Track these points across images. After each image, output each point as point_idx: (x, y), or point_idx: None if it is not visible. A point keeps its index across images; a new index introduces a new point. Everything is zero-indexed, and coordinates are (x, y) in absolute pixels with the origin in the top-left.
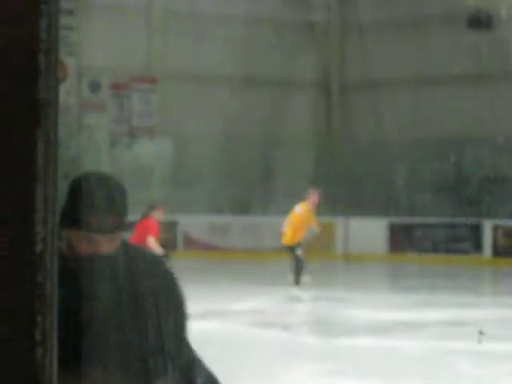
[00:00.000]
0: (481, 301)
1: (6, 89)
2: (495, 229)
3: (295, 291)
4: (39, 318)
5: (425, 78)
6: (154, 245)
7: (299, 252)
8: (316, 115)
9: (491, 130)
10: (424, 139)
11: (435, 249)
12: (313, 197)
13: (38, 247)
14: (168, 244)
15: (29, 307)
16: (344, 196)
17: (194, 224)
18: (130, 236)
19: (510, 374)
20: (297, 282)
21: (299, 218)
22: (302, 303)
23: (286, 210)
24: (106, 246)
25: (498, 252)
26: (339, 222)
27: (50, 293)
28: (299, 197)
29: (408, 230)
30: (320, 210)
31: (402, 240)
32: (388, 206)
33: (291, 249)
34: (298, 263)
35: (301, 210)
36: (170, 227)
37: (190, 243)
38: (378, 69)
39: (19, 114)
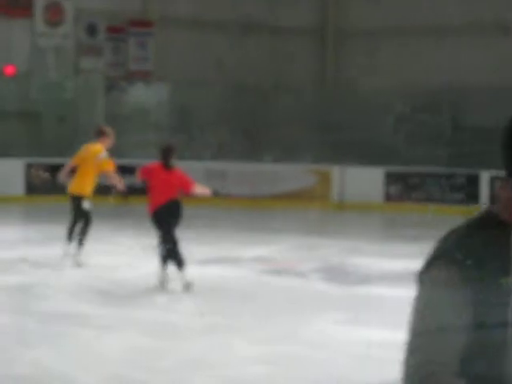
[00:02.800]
0: None
1: None
2: (492, 179)
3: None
4: None
5: (422, 27)
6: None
7: (87, 206)
8: (312, 63)
9: (488, 80)
10: (419, 88)
11: (431, 198)
12: (108, 137)
13: None
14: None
15: None
16: (340, 145)
17: (189, 170)
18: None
19: None
20: (80, 242)
21: (87, 160)
22: (311, 251)
23: (283, 158)
24: None
25: (494, 202)
26: (336, 171)
27: None
28: (296, 145)
29: (404, 179)
30: (317, 158)
31: (398, 189)
32: (384, 155)
33: (77, 200)
34: (86, 220)
35: (93, 151)
36: None
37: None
38: (374, 17)
39: None
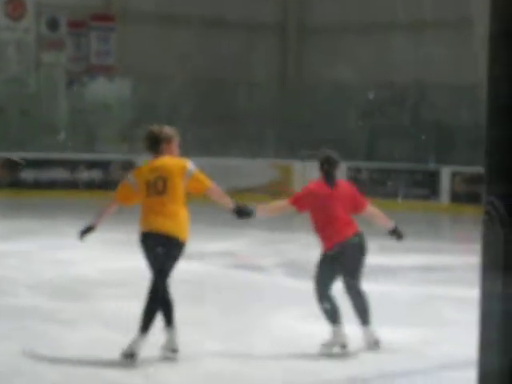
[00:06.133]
0: (446, 247)
1: None
2: (453, 175)
3: None
4: None
5: (385, 22)
6: None
7: None
8: (275, 58)
9: (450, 76)
10: (382, 84)
11: (392, 194)
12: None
13: None
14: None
15: None
16: (301, 139)
17: None
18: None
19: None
20: None
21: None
22: (272, 245)
23: (247, 153)
24: None
25: (455, 198)
26: (297, 166)
27: None
28: (260, 140)
29: (366, 174)
30: (278, 153)
31: (360, 184)
32: (346, 150)
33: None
34: None
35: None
36: (127, 167)
37: None
38: (337, 12)
39: None
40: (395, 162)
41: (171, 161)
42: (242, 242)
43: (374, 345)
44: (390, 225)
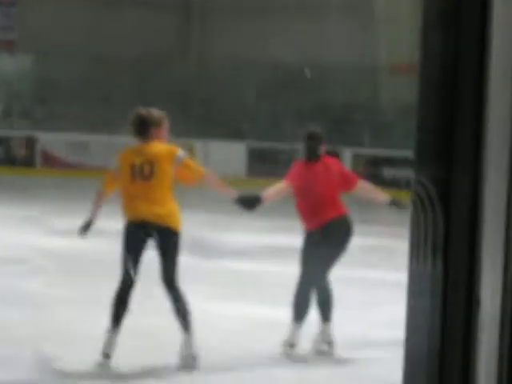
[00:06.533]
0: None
1: None
2: (355, 157)
3: None
4: None
5: (287, 3)
6: None
7: None
8: (178, 37)
9: (354, 58)
10: (284, 65)
11: None
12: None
13: None
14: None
15: None
16: (203, 119)
17: (53, 141)
18: None
19: (388, 301)
20: None
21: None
22: None
23: None
24: None
25: None
26: (198, 145)
27: None
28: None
29: (266, 154)
30: (180, 132)
31: (260, 165)
32: (247, 131)
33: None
34: None
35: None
36: (29, 144)
37: (49, 160)
38: None
39: None
40: (295, 142)
41: (160, 145)
42: None
43: (326, 345)
44: (386, 197)
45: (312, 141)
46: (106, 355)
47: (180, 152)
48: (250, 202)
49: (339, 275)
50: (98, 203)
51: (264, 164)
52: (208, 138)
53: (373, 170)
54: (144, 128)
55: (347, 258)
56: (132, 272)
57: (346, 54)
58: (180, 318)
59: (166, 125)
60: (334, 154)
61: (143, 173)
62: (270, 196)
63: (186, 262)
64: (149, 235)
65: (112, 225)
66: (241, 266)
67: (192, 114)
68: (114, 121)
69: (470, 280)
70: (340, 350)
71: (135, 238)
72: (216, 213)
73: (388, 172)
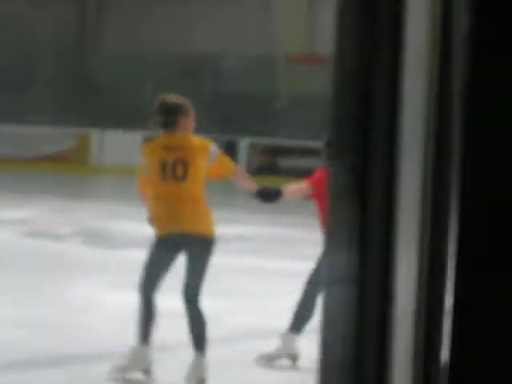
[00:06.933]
0: (241, 218)
1: None
2: (251, 147)
3: None
4: None
5: None
6: None
7: None
8: (74, 26)
9: (246, 47)
10: (175, 55)
11: None
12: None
13: None
14: None
15: None
16: (100, 109)
17: None
18: None
19: (281, 290)
20: None
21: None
22: (71, 214)
23: (44, 121)
24: None
25: (252, 170)
26: (94, 135)
27: None
28: (57, 107)
29: None
30: (75, 120)
31: None
32: (144, 120)
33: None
34: None
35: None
36: None
37: None
38: None
39: None
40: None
41: (191, 139)
42: (36, 210)
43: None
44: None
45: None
46: (146, 371)
47: (213, 147)
48: (270, 195)
49: (241, 265)
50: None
51: None
52: (104, 128)
53: (269, 160)
54: (172, 117)
55: (252, 248)
56: (153, 291)
57: (243, 42)
58: (195, 338)
59: (193, 114)
60: (230, 144)
61: (176, 173)
62: (290, 192)
63: (81, 251)
64: (183, 248)
65: (5, 215)
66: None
67: (88, 103)
68: (12, 109)
69: (384, 271)
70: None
71: (167, 254)
72: (117, 204)
73: (283, 162)
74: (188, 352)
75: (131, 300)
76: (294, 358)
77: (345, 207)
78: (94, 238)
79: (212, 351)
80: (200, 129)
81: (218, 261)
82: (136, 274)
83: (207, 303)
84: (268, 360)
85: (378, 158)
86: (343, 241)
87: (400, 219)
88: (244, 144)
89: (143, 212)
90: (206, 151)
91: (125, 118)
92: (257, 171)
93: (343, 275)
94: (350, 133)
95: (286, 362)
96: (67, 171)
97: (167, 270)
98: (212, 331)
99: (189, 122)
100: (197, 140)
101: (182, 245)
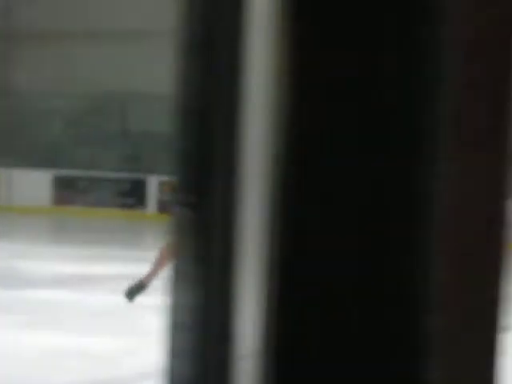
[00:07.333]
0: (150, 255)
1: None
2: (160, 184)
3: None
4: None
5: (90, 32)
6: None
7: None
8: None
9: (154, 87)
10: (84, 93)
11: (100, 203)
12: None
13: None
14: None
15: None
16: (7, 148)
17: None
18: None
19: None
20: None
21: None
22: None
23: None
24: None
25: (161, 207)
26: (2, 174)
27: None
28: None
29: (72, 183)
30: None
31: (66, 193)
32: (51, 159)
33: None
34: None
35: None
36: None
37: None
38: (41, 20)
39: None
40: (101, 170)
41: None
42: None
43: None
44: None
45: None
46: None
47: None
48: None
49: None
50: (156, 271)
51: (69, 192)
52: (12, 167)
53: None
54: None
55: None
56: None
57: (148, 81)
58: None
59: None
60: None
61: None
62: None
63: None
64: None
65: None
66: (49, 294)
67: None
68: None
69: (226, 312)
70: None
71: None
72: (26, 244)
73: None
74: None
75: (39, 341)
76: None
77: (188, 246)
78: (1, 278)
79: None
80: (109, 167)
81: (121, 299)
82: (47, 314)
83: (108, 342)
84: None
85: (218, 193)
86: (187, 280)
87: (243, 256)
88: (153, 182)
89: (52, 252)
90: None
91: (34, 156)
92: (167, 209)
93: (186, 317)
94: (191, 169)
95: None
96: None
97: None
98: (113, 371)
99: None
100: None
101: None
